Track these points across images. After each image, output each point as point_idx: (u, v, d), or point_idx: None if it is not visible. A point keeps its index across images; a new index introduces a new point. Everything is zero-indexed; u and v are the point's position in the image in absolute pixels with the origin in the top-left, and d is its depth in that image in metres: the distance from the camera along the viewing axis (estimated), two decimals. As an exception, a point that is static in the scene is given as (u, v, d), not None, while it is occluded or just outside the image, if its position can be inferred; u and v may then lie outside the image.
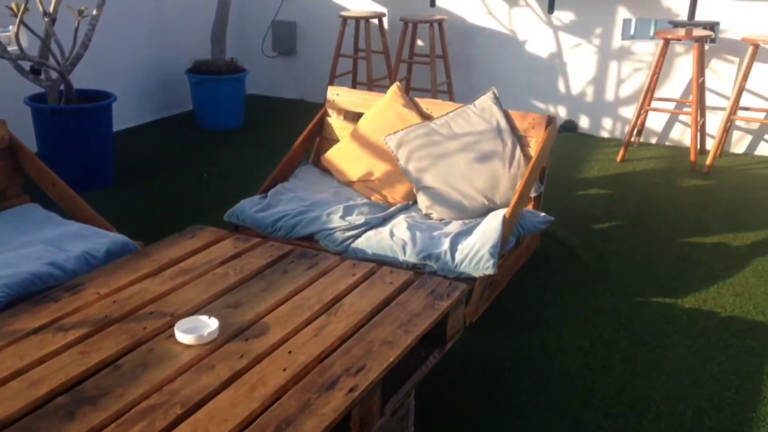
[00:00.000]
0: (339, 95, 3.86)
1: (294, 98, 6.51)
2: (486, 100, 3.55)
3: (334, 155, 3.75)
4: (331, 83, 5.82)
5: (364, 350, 1.91)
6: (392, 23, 5.89)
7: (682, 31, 4.79)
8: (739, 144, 5.02)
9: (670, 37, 4.67)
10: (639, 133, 5.21)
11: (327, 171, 3.78)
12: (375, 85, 5.83)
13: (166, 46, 5.72)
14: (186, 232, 2.84)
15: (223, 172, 4.60)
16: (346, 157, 3.70)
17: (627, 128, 5.35)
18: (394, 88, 3.74)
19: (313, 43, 6.29)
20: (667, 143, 5.26)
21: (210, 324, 1.92)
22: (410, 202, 3.52)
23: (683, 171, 4.69)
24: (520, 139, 3.46)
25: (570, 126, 5.59)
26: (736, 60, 4.87)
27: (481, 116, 3.50)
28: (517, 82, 5.66)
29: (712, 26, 5.00)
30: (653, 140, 5.31)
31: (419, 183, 3.43)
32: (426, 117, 3.64)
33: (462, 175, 3.38)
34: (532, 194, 3.40)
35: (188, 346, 1.85)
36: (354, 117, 3.84)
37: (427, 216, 3.39)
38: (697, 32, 4.69)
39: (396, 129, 3.55)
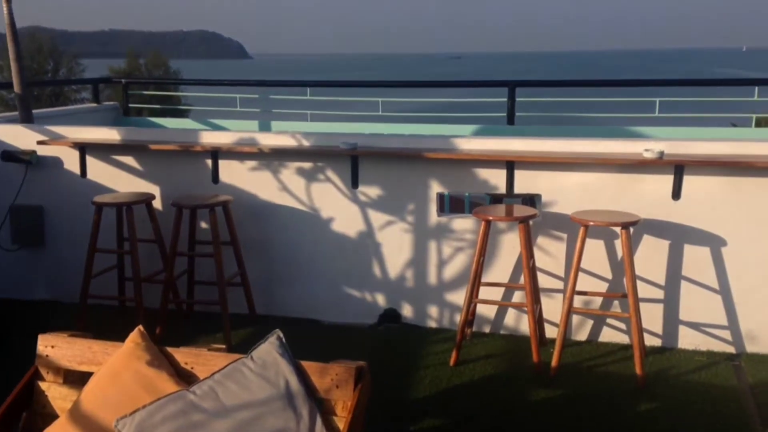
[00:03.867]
0: (55, 348, 2.62)
1: (45, 300, 5.07)
2: (269, 351, 2.49)
3: (45, 445, 2.45)
4: (87, 284, 4.52)
5: None
6: (167, 205, 4.79)
7: (502, 210, 4.18)
8: (581, 330, 4.39)
9: (491, 218, 4.02)
10: (470, 323, 4.43)
11: (36, 470, 2.46)
12: (148, 280, 4.62)
13: None
14: None
15: None
16: (64, 447, 2.42)
17: (455, 316, 4.57)
18: (136, 337, 2.57)
19: (67, 231, 5.00)
20: (502, 332, 4.52)
21: None
22: None
23: (528, 375, 3.90)
24: (320, 405, 2.41)
25: (391, 315, 4.70)
26: (564, 235, 4.32)
27: (263, 375, 2.42)
28: (326, 267, 4.74)
29: (533, 198, 4.47)
30: (486, 329, 4.55)
31: (173, 492, 2.23)
32: (185, 377, 2.50)
33: (238, 473, 2.23)
34: (344, 489, 2.32)
35: None
36: (80, 379, 2.61)
37: None
38: (520, 211, 4.09)
39: (136, 402, 2.37)
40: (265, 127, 6.45)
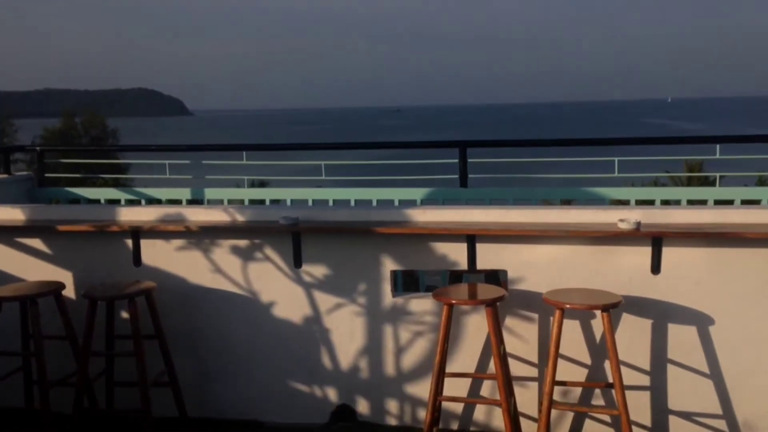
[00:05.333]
0: None
1: (-65, 409, 4.29)
2: None
3: None
4: (-18, 393, 3.80)
5: None
6: (81, 293, 4.14)
7: (465, 291, 3.72)
8: (560, 425, 3.89)
9: (454, 302, 3.54)
10: (436, 421, 3.88)
11: None
12: (60, 383, 3.94)
13: None
14: None
15: None
16: None
17: (418, 410, 4.03)
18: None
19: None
20: (472, 428, 3.99)
21: None
22: None
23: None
24: None
25: (345, 413, 4.12)
26: (535, 315, 3.87)
27: None
28: (267, 358, 4.15)
29: (496, 274, 4.04)
30: (454, 425, 4.01)
31: None
32: None
33: None
34: None
35: None
36: None
37: None
38: (485, 292, 3.63)
39: None
40: (197, 195, 5.88)
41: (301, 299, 4.11)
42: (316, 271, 4.08)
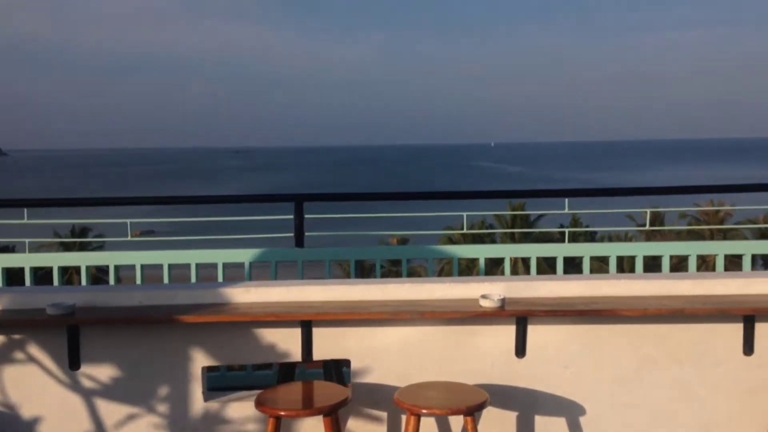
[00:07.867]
0: None
1: None
2: None
3: None
4: None
5: None
6: None
7: (298, 394, 2.92)
8: None
9: (282, 413, 2.73)
10: None
11: None
12: None
13: None
14: None
15: None
16: None
17: None
18: None
19: None
20: None
21: None
22: None
23: None
24: None
25: None
26: (383, 415, 3.16)
27: None
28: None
29: (341, 369, 3.29)
30: None
31: None
32: None
33: None
34: None
35: None
36: None
37: None
38: (323, 395, 2.86)
39: None
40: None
41: (79, 412, 3.09)
42: (100, 373, 3.09)
